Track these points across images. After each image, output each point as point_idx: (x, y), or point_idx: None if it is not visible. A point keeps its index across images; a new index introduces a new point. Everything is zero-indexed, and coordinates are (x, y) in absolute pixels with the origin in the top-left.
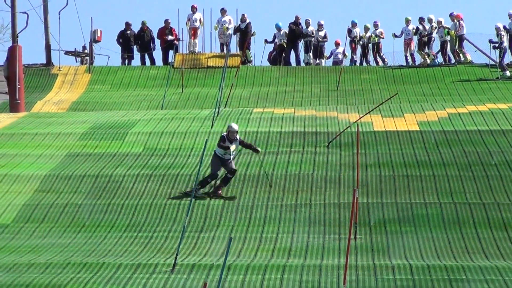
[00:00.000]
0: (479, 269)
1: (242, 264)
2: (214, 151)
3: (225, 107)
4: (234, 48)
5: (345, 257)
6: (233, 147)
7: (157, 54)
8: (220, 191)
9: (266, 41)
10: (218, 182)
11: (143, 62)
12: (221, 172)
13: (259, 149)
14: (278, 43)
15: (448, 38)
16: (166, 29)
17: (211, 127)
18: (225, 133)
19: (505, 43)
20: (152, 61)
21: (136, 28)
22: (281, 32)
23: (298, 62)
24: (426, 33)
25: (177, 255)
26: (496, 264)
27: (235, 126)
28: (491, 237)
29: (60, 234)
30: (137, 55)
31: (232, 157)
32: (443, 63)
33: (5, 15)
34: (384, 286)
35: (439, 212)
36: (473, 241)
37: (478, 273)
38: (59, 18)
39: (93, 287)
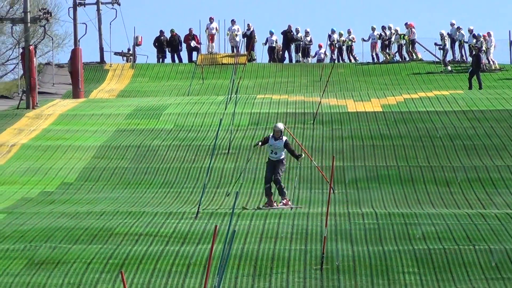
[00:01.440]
0: (428, 216)
1: (248, 212)
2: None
3: (235, 94)
4: (242, 49)
5: (327, 206)
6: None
7: (184, 54)
8: (286, 200)
9: (263, 44)
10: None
11: (173, 60)
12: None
13: (301, 155)
14: (269, 45)
15: (403, 41)
16: (190, 35)
17: (225, 109)
18: (271, 134)
19: (447, 45)
20: (180, 60)
21: (167, 34)
22: (272, 37)
23: (290, 60)
24: (387, 38)
25: (199, 205)
26: (441, 211)
27: (279, 125)
28: (436, 191)
29: (111, 190)
30: (168, 55)
31: (281, 157)
32: (400, 60)
33: (69, 25)
34: (356, 228)
35: (397, 172)
36: (423, 194)
37: (427, 218)
38: (110, 27)
39: (136, 229)
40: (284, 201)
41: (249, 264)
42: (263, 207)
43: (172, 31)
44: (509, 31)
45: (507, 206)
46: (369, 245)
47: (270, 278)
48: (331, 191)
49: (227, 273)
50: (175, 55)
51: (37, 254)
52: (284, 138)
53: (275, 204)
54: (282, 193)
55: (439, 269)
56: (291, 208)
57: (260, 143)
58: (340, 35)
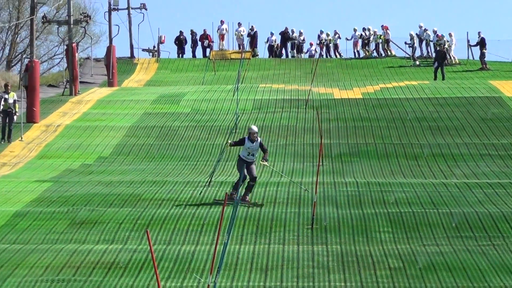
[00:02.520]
0: (399, 184)
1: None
2: (239, 155)
3: (241, 84)
4: (247, 47)
5: (316, 176)
6: (266, 163)
7: (199, 51)
8: (247, 198)
9: (265, 42)
10: (244, 190)
11: (193, 55)
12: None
13: (267, 163)
14: (269, 44)
15: (380, 40)
16: (204, 35)
17: (233, 96)
18: (247, 136)
19: (416, 44)
20: (195, 55)
21: (186, 34)
22: (272, 37)
23: (287, 55)
24: (367, 37)
25: (211, 175)
26: (410, 181)
27: (254, 128)
28: (407, 164)
29: (139, 163)
30: (187, 51)
31: (255, 158)
32: (377, 56)
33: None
34: (340, 195)
35: (374, 149)
36: (396, 167)
37: (399, 186)
38: (138, 28)
39: (159, 195)
40: (247, 198)
41: (252, 224)
42: (239, 200)
43: (192, 31)
44: (467, 32)
45: (465, 176)
46: (351, 208)
47: (269, 235)
48: (321, 162)
49: (234, 231)
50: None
51: (78, 216)
52: (259, 139)
53: (247, 199)
54: (250, 191)
55: (408, 229)
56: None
57: (232, 143)
58: (328, 35)
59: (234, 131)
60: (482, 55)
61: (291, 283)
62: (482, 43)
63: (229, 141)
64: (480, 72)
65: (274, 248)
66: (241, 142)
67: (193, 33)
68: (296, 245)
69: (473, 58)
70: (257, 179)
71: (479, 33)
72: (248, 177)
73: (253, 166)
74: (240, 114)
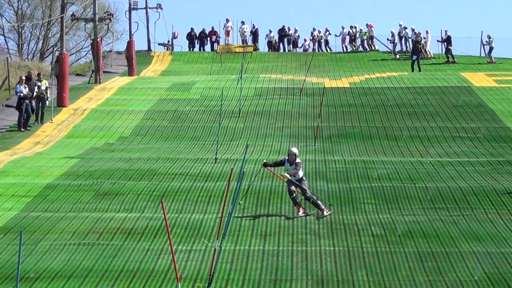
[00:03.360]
0: (381, 162)
1: (254, 158)
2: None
3: (244, 74)
4: (249, 42)
5: (310, 154)
6: (287, 175)
7: (207, 45)
8: (322, 212)
9: (265, 38)
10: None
11: (201, 49)
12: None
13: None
14: (268, 39)
15: (365, 37)
16: (212, 32)
17: (237, 84)
18: (286, 157)
19: (396, 40)
20: (204, 49)
21: (196, 31)
22: (271, 34)
23: (284, 50)
24: (353, 34)
25: (216, 153)
26: (391, 159)
27: (293, 150)
28: (388, 144)
29: (155, 142)
30: (197, 45)
31: (300, 176)
32: (363, 50)
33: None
34: (330, 171)
35: (360, 131)
36: (378, 147)
37: (381, 164)
38: (155, 25)
39: (172, 170)
40: (322, 213)
41: (253, 196)
42: (300, 215)
43: (203, 30)
44: (441, 30)
45: (439, 155)
46: (339, 183)
47: (268, 206)
48: (314, 143)
49: (237, 202)
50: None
51: (101, 188)
52: (298, 160)
53: (305, 211)
54: (317, 205)
55: (389, 201)
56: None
57: (270, 164)
58: (319, 32)
59: (238, 115)
60: (448, 51)
61: (286, 247)
62: (448, 40)
63: (265, 161)
64: (452, 65)
65: (272, 217)
66: (281, 163)
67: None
68: (291, 215)
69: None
70: (308, 193)
71: (445, 31)
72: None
73: (301, 183)
74: (243, 100)
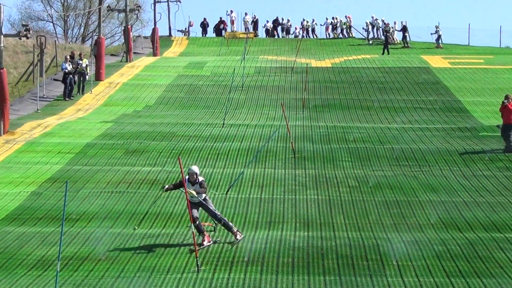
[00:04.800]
0: (357, 128)
1: (254, 124)
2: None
3: (246, 55)
4: (251, 29)
5: (298, 121)
6: (193, 192)
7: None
8: (234, 237)
9: (263, 27)
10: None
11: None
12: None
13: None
14: (266, 28)
15: (344, 26)
16: (220, 21)
17: (241, 63)
18: (186, 177)
19: (370, 29)
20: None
21: (209, 20)
22: (268, 23)
23: (278, 36)
24: (335, 24)
25: (224, 119)
26: (364, 125)
27: (194, 168)
28: (362, 114)
29: (174, 110)
30: (209, 32)
31: (202, 197)
32: (342, 37)
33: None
34: (315, 134)
35: (339, 102)
36: (354, 115)
37: (356, 129)
38: (175, 15)
39: (188, 133)
40: (238, 235)
41: (252, 154)
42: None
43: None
44: (401, 21)
45: (403, 122)
46: (322, 144)
47: (265, 163)
48: (302, 111)
49: (240, 159)
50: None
51: (131, 147)
52: (200, 178)
53: (211, 240)
54: (229, 228)
55: (362, 159)
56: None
57: (170, 187)
58: (307, 21)
59: (241, 88)
60: (404, 37)
61: (279, 195)
62: (404, 29)
63: (166, 186)
64: (414, 49)
65: (267, 171)
66: (180, 185)
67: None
68: (283, 169)
69: (409, 39)
70: (219, 215)
71: (401, 22)
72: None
73: (207, 205)
74: (246, 77)
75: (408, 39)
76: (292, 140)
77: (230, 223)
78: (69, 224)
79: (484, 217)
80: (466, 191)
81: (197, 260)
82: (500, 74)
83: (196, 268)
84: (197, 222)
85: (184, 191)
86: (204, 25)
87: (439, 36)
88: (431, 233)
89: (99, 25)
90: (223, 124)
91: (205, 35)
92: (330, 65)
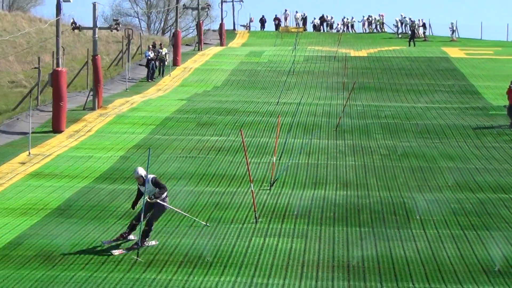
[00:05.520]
0: (387, 106)
1: (303, 102)
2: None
3: (297, 46)
4: (300, 25)
5: (339, 100)
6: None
7: (273, 27)
8: (137, 244)
9: (311, 23)
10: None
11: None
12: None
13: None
14: (313, 24)
15: (378, 23)
16: (276, 18)
17: (292, 53)
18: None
19: (399, 25)
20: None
21: (266, 17)
22: (315, 20)
23: (323, 30)
24: (371, 20)
25: (279, 97)
26: (394, 104)
27: (138, 171)
28: (392, 94)
29: (237, 90)
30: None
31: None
32: (376, 32)
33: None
34: (353, 112)
35: (373, 85)
36: (385, 96)
37: (387, 107)
38: (238, 12)
39: (248, 109)
40: (136, 246)
41: (301, 127)
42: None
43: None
44: (428, 19)
45: (426, 102)
46: (359, 119)
47: (311, 133)
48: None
49: (295, 131)
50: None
51: (201, 120)
52: (150, 177)
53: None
54: (144, 236)
55: (392, 132)
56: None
57: (135, 202)
58: (348, 18)
59: (292, 73)
60: (423, 33)
61: (323, 161)
62: (424, 26)
63: (133, 206)
64: (435, 42)
65: (314, 141)
66: (139, 193)
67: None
68: (326, 140)
69: (432, 34)
70: (151, 226)
71: (421, 19)
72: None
73: (157, 209)
74: (296, 64)
75: (427, 33)
76: (340, 115)
77: (149, 235)
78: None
79: (493, 181)
80: (478, 159)
81: (255, 213)
82: (507, 63)
83: (255, 220)
84: (135, 223)
85: (146, 198)
86: (262, 21)
87: (454, 31)
88: (449, 194)
89: (176, 21)
90: (278, 102)
91: (263, 29)
92: (366, 55)
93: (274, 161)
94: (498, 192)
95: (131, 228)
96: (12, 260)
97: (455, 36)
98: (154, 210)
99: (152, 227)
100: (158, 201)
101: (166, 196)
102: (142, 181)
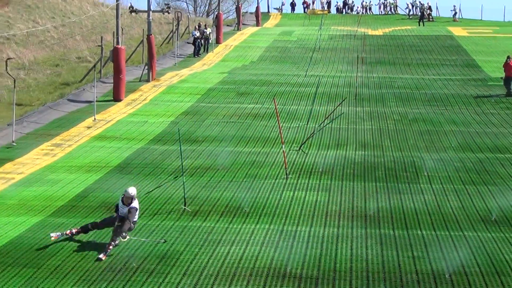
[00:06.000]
0: (400, 78)
1: (327, 74)
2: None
3: (322, 26)
4: (325, 7)
5: (358, 73)
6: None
7: (302, 9)
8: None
9: (334, 6)
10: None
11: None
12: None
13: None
14: (336, 7)
15: (392, 6)
16: (304, 2)
17: (318, 32)
18: (122, 196)
19: (410, 7)
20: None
21: (296, 1)
22: (338, 3)
23: (345, 13)
24: (386, 3)
25: (306, 70)
26: (405, 76)
27: (130, 190)
28: (404, 68)
29: (270, 64)
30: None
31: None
32: (391, 14)
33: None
34: (369, 82)
35: (388, 59)
36: (398, 68)
37: (399, 79)
38: None
39: (280, 80)
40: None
41: (326, 97)
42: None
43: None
44: (436, 2)
45: (433, 74)
46: (375, 89)
47: (335, 103)
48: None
49: (318, 100)
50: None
51: (240, 90)
52: (133, 204)
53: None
54: (109, 244)
55: (403, 100)
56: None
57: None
58: (366, 2)
59: (318, 49)
60: (429, 15)
61: (344, 125)
62: (430, 8)
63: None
64: (441, 22)
65: (337, 108)
66: (116, 208)
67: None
68: (347, 107)
69: (438, 15)
70: (117, 237)
71: (429, 2)
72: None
73: (124, 224)
74: (321, 41)
75: (434, 15)
76: (356, 85)
77: (111, 247)
78: (196, 144)
79: (490, 143)
80: (477, 124)
81: (286, 170)
82: (504, 41)
83: (285, 176)
84: (90, 226)
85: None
86: (292, 5)
87: (456, 13)
88: (452, 153)
89: (218, 4)
90: (305, 74)
91: (293, 12)
92: (381, 34)
93: (301, 126)
94: (495, 152)
95: (85, 231)
96: (79, 210)
97: (457, 17)
98: (122, 224)
99: (114, 240)
100: (130, 220)
101: (135, 223)
102: (129, 202)
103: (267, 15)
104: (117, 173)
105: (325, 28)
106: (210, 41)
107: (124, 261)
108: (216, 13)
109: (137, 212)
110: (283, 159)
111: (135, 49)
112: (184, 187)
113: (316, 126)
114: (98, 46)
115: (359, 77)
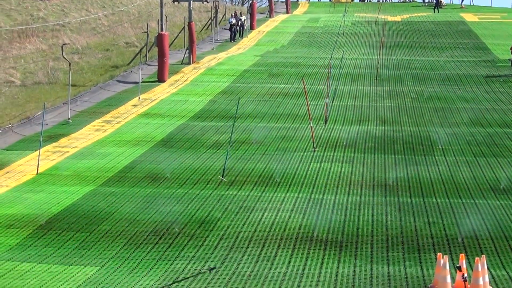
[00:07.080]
0: (417, 60)
1: (350, 57)
2: None
3: (346, 14)
4: None
5: (379, 56)
6: None
7: None
8: None
9: None
10: None
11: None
12: None
13: None
14: None
15: None
16: None
17: (342, 19)
18: None
19: None
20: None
21: None
22: None
23: (368, 1)
24: None
25: (332, 53)
26: (421, 58)
27: None
28: (420, 50)
29: (299, 48)
30: None
31: None
32: (407, 2)
33: None
34: (389, 63)
35: (406, 43)
36: (415, 51)
37: (416, 61)
38: None
39: (307, 63)
40: None
41: (346, 77)
42: None
43: None
44: None
45: (447, 57)
46: (394, 70)
47: (357, 82)
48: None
49: (334, 82)
50: None
51: (271, 71)
52: None
53: None
54: None
55: (420, 80)
56: None
57: None
58: None
59: (342, 33)
60: (440, 2)
61: (366, 103)
62: None
63: None
64: (453, 9)
65: (358, 87)
66: None
67: None
68: (369, 86)
69: (451, 2)
70: None
71: None
72: None
73: None
74: (345, 27)
75: (448, 2)
76: (378, 66)
77: None
78: (231, 120)
79: (499, 118)
80: (487, 101)
81: (313, 144)
82: (511, 26)
83: (313, 149)
84: None
85: None
86: None
87: (463, 0)
88: (464, 128)
89: None
90: (331, 57)
91: (320, 0)
92: (400, 20)
93: (327, 102)
94: (503, 127)
95: None
96: (127, 180)
97: (463, 4)
98: None
99: None
100: None
101: None
102: None
103: (296, 3)
104: (161, 147)
105: (349, 15)
106: (245, 27)
107: (167, 226)
108: (250, 2)
109: None
110: (311, 133)
111: (177, 35)
112: (226, 158)
113: (343, 103)
114: (144, 32)
115: (380, 59)
